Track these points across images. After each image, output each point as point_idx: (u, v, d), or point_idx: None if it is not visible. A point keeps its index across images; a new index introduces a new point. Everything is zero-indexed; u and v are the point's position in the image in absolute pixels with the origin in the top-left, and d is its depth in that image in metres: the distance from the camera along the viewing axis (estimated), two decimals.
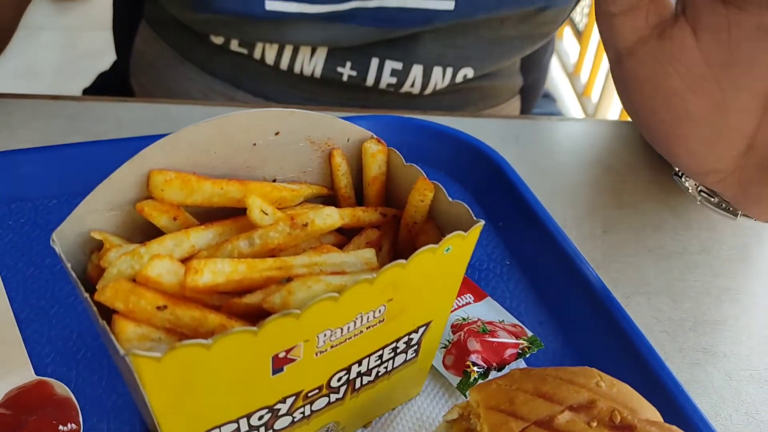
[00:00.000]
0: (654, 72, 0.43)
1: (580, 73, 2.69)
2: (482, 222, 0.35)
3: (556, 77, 2.80)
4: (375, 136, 0.41)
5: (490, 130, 0.74)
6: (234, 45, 0.75)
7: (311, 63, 0.74)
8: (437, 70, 0.77)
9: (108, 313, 0.31)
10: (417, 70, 0.76)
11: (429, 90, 0.79)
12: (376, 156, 0.40)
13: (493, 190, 0.63)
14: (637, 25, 0.43)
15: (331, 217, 0.36)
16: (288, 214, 0.36)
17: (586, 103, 2.56)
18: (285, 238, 0.34)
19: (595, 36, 2.56)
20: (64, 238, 0.33)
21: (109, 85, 1.00)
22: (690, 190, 0.48)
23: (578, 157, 0.74)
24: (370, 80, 0.76)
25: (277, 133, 0.38)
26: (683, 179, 0.48)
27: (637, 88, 0.45)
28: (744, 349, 0.55)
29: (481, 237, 0.60)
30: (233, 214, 0.37)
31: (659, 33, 0.43)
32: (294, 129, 0.38)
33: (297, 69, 0.75)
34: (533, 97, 0.96)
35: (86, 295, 0.30)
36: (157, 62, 0.82)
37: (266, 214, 0.35)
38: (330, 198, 0.42)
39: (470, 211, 0.36)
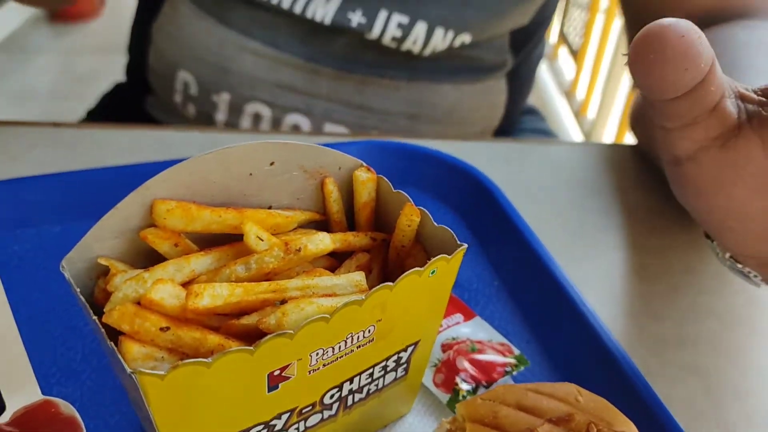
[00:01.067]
0: (715, 178, 0.41)
1: (576, 92, 2.71)
2: (465, 246, 0.37)
3: (553, 96, 2.82)
4: (365, 165, 0.43)
5: (478, 153, 0.76)
6: None
7: (325, 8, 0.82)
8: (439, 32, 0.84)
9: (115, 334, 0.33)
10: (421, 28, 0.83)
11: (428, 51, 0.85)
12: (366, 183, 0.42)
13: (481, 213, 0.65)
14: (697, 137, 0.40)
15: (323, 242, 0.38)
16: (282, 239, 0.38)
17: (582, 122, 2.58)
18: (279, 262, 0.36)
19: (590, 55, 2.58)
20: (72, 264, 0.35)
21: (113, 106, 1.03)
22: (719, 255, 0.49)
23: (566, 180, 0.76)
24: (376, 31, 0.83)
25: (272, 164, 0.40)
26: (715, 243, 0.49)
27: (695, 189, 0.43)
28: (724, 365, 0.56)
29: (469, 258, 0.62)
30: (231, 240, 0.39)
31: (722, 143, 0.40)
32: (288, 159, 0.40)
33: (309, 14, 0.83)
34: (520, 89, 1.00)
35: (95, 317, 0.32)
36: (179, 23, 0.89)
37: (262, 240, 0.37)
38: (322, 223, 0.44)
39: (454, 235, 0.38)
